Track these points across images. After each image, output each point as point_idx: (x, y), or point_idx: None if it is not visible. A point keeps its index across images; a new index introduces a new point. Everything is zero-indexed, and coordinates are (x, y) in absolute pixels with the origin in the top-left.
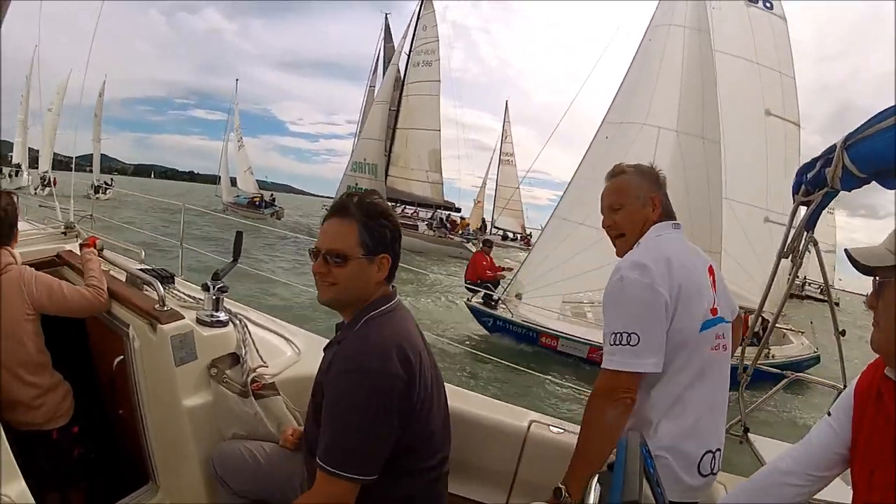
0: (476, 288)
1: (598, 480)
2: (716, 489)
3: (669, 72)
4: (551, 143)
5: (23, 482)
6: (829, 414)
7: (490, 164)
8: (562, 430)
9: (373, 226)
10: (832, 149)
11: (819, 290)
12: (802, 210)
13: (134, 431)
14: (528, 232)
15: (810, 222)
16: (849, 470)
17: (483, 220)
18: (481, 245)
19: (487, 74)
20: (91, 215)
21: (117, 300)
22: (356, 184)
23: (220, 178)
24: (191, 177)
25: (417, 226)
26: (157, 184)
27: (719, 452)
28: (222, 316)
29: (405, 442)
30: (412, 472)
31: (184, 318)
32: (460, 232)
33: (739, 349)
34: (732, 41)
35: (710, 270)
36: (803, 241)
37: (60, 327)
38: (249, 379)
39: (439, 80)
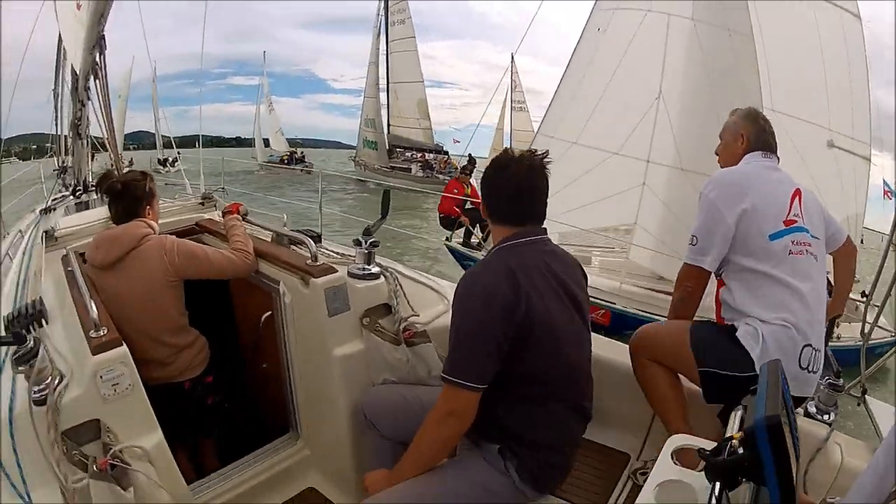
0: (447, 227)
1: (742, 403)
2: (831, 448)
3: None
4: None
5: (159, 433)
6: None
7: (502, 112)
8: None
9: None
10: None
11: None
12: None
13: (275, 384)
14: None
15: None
16: None
17: (470, 156)
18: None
19: (525, 17)
20: (223, 188)
21: (266, 259)
22: (365, 137)
23: (253, 140)
24: (238, 142)
25: (411, 168)
26: (205, 151)
27: (818, 353)
28: (374, 269)
29: (526, 366)
30: (538, 401)
31: (337, 271)
32: (445, 169)
33: (862, 310)
34: None
35: (797, 193)
36: None
37: (203, 289)
38: (401, 327)
39: (414, 37)
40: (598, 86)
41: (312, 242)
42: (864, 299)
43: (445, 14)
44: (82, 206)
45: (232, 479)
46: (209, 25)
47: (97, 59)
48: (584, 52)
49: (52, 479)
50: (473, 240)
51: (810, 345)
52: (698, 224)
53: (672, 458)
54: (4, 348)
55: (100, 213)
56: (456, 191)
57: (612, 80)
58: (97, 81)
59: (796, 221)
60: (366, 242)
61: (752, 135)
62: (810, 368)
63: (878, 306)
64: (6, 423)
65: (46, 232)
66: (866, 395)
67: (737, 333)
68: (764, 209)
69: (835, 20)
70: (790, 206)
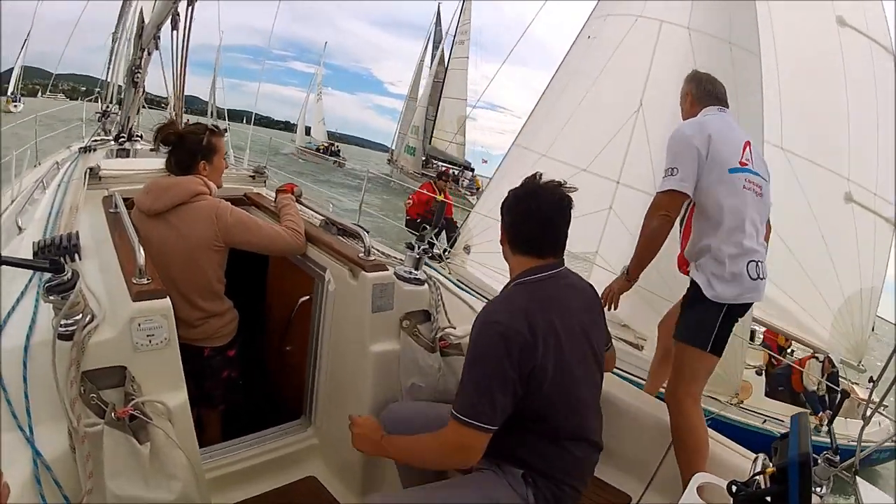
0: (413, 230)
1: (773, 446)
2: None
3: None
4: None
5: (185, 394)
6: None
7: None
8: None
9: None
10: None
11: None
12: None
13: (296, 369)
14: None
15: None
16: None
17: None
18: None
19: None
20: (265, 166)
21: (315, 244)
22: (407, 142)
23: (297, 126)
24: (286, 126)
25: None
26: (253, 129)
27: (762, 263)
28: (420, 275)
29: (539, 405)
30: (551, 438)
31: (387, 269)
32: (466, 185)
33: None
34: None
35: (748, 144)
36: None
37: (243, 262)
38: (438, 336)
39: (467, 57)
40: (576, 96)
41: (367, 236)
42: (871, 383)
43: (507, 37)
44: (122, 154)
45: (235, 454)
46: (283, 5)
47: (181, 9)
48: (572, 60)
49: (61, 417)
50: (435, 249)
51: (753, 260)
52: (670, 157)
53: (696, 494)
54: (27, 275)
55: (151, 162)
56: (426, 192)
57: (590, 90)
58: (174, 33)
59: (748, 164)
60: (419, 247)
61: (694, 90)
62: (760, 276)
63: (875, 403)
64: (21, 350)
65: (91, 169)
66: (857, 476)
67: (696, 280)
68: (725, 143)
69: (864, 54)
70: (743, 151)
